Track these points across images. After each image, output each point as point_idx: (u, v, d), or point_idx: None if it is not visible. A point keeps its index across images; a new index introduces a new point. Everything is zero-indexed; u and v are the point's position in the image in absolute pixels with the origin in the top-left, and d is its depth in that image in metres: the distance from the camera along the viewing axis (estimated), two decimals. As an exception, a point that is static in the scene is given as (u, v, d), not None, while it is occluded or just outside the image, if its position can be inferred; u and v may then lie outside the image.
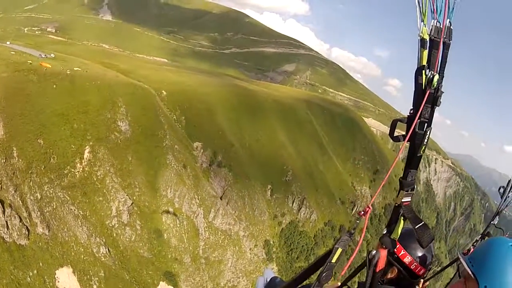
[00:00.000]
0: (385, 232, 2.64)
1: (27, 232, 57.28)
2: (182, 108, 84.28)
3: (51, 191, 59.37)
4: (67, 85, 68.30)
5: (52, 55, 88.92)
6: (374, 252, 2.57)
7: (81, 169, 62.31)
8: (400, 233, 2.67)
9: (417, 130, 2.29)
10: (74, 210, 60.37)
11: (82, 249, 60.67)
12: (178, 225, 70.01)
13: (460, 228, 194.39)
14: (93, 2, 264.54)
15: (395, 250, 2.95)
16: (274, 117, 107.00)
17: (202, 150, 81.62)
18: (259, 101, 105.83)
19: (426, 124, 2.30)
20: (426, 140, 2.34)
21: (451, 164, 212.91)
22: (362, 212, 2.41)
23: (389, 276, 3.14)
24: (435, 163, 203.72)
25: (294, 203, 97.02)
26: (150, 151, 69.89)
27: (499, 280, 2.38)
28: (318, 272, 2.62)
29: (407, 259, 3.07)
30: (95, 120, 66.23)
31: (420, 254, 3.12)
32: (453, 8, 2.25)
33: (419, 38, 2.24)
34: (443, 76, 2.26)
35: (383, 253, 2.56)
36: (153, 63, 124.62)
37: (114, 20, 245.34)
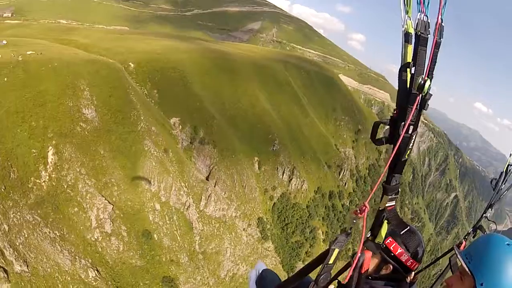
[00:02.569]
0: (369, 235, 2.66)
1: (5, 275, 47.06)
2: (153, 81, 72.12)
3: (18, 217, 47.16)
4: (19, 74, 54.04)
5: (4, 42, 72.01)
6: (359, 254, 2.55)
7: (47, 177, 49.78)
8: (394, 230, 2.89)
9: (401, 133, 2.23)
10: (49, 232, 48.69)
11: (69, 278, 50.26)
12: (168, 222, 59.95)
13: (436, 183, 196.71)
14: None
15: (391, 248, 2.98)
16: (253, 80, 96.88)
17: (180, 127, 70.89)
18: (236, 64, 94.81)
19: (412, 128, 2.26)
20: (411, 145, 2.32)
21: (424, 120, 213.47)
22: (358, 211, 2.43)
23: (383, 272, 3.12)
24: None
25: (284, 174, 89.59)
26: (124, 138, 57.94)
27: (496, 279, 2.44)
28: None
29: (403, 257, 3.03)
30: (56, 112, 52.86)
31: (414, 250, 3.07)
32: (445, 2, 2.05)
33: (403, 31, 2.11)
34: (432, 77, 2.14)
35: (368, 254, 2.61)
36: (115, 33, 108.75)
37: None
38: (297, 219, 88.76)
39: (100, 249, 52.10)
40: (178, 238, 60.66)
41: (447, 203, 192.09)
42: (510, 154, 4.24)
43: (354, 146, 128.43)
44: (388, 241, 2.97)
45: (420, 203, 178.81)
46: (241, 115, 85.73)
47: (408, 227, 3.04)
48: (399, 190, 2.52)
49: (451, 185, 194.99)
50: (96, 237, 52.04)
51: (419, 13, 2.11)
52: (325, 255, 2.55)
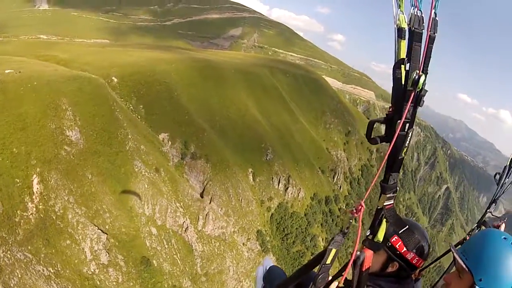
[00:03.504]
0: (368, 233, 2.67)
1: (3, 320, 42.18)
2: (138, 95, 67.88)
3: (8, 256, 42.50)
4: (-3, 97, 50.82)
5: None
6: (358, 253, 2.56)
7: (34, 209, 45.33)
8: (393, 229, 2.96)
9: (398, 131, 2.23)
10: (43, 270, 44.13)
11: None
12: (166, 246, 56.03)
13: (426, 177, 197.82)
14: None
15: (397, 246, 3.08)
16: (240, 88, 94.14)
17: (170, 143, 67.21)
18: (222, 72, 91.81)
19: (408, 125, 2.26)
20: (408, 142, 2.33)
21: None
22: (355, 210, 2.39)
23: (389, 270, 3.19)
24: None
25: (280, 184, 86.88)
26: (112, 160, 53.84)
27: (495, 273, 2.46)
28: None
29: (409, 255, 3.10)
30: (38, 136, 48.19)
31: (415, 247, 3.13)
32: None
33: (395, 27, 2.10)
34: (427, 73, 2.15)
35: (368, 253, 2.59)
36: (96, 46, 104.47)
37: (51, 8, 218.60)
38: (296, 228, 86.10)
39: (98, 283, 47.84)
40: (179, 262, 56.94)
41: (439, 195, 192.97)
42: None
43: (346, 148, 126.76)
44: (393, 239, 3.02)
45: (412, 198, 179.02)
46: (231, 125, 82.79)
47: (407, 226, 3.06)
48: (397, 188, 2.45)
49: (441, 178, 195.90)
50: (92, 270, 47.67)
51: (412, 8, 2.04)
52: (323, 255, 2.47)
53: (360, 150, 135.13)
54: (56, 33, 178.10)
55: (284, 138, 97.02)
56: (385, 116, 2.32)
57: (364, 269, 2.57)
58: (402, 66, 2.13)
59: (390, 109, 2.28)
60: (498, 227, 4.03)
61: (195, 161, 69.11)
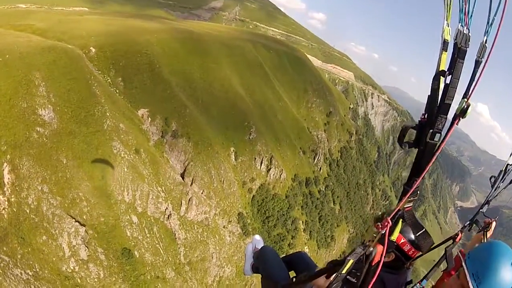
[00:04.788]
0: (383, 232, 2.67)
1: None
2: (117, 67, 61.85)
3: None
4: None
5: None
6: (371, 248, 2.60)
7: (6, 202, 39.99)
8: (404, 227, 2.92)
9: (428, 140, 2.30)
10: (21, 274, 38.95)
11: None
12: (148, 235, 52.15)
13: (401, 162, 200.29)
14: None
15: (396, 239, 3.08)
16: (224, 62, 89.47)
17: (149, 119, 62.82)
18: (206, 45, 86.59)
19: (438, 135, 2.30)
20: (437, 153, 2.39)
21: (387, 99, 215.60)
22: (380, 226, 2.47)
23: (385, 260, 3.07)
24: (372, 98, 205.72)
25: (262, 164, 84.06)
26: (89, 141, 48.63)
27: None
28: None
29: (406, 247, 3.15)
30: (7, 118, 42.34)
31: (415, 239, 3.17)
32: (491, 24, 2.02)
33: (441, 38, 2.10)
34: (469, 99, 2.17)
35: (380, 248, 2.61)
36: (74, 14, 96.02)
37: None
38: (277, 211, 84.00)
39: (79, 281, 43.70)
40: (161, 251, 53.39)
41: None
42: (511, 154, 4.10)
43: (326, 129, 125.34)
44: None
45: (386, 181, 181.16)
46: (214, 102, 78.60)
47: (424, 229, 3.15)
48: (418, 192, 2.53)
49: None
50: (72, 267, 43.62)
51: (460, 24, 2.04)
52: (340, 264, 2.62)
53: (340, 131, 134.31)
54: (34, 1, 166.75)
55: (267, 117, 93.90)
56: (417, 122, 2.35)
57: (373, 264, 2.60)
58: (441, 77, 2.11)
59: (423, 117, 2.30)
60: (489, 223, 4.26)
61: (176, 140, 65.09)
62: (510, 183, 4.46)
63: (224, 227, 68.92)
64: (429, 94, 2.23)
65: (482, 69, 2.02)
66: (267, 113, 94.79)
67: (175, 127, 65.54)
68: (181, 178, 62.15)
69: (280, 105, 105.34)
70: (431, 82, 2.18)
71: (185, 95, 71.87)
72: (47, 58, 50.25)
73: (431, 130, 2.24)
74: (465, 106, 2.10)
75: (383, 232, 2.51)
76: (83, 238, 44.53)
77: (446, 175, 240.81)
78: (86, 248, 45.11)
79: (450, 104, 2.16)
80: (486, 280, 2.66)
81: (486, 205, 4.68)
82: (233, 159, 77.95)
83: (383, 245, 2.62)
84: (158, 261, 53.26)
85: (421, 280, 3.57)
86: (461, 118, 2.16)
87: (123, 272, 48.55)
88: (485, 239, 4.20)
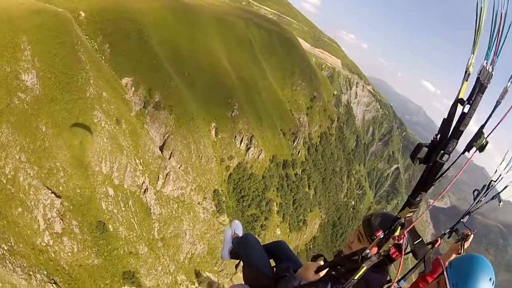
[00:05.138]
0: (382, 236, 2.84)
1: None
2: (105, 32, 60.06)
3: None
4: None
5: None
6: (367, 251, 2.81)
7: None
8: (379, 221, 3.28)
9: (438, 159, 2.41)
10: None
11: None
12: (123, 209, 51.47)
13: (378, 153, 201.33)
14: None
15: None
16: (214, 36, 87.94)
17: (133, 89, 61.31)
18: (197, 17, 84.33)
19: (447, 156, 2.43)
20: (444, 173, 2.52)
21: (371, 90, 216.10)
22: (397, 238, 2.69)
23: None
24: (356, 87, 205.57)
25: (242, 143, 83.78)
26: (70, 108, 47.17)
27: None
28: None
29: (391, 250, 3.15)
30: None
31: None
32: None
33: (466, 68, 2.19)
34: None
35: (374, 250, 2.82)
36: None
37: None
38: (253, 191, 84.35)
39: (53, 255, 43.26)
40: (135, 226, 52.97)
41: (388, 173, 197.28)
42: (495, 171, 4.27)
43: (308, 113, 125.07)
44: (379, 233, 3.06)
45: (362, 171, 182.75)
46: (200, 75, 77.30)
47: (421, 239, 3.22)
48: (419, 204, 2.70)
49: (393, 157, 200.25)
50: (46, 241, 43.13)
51: (485, 61, 2.13)
52: (353, 269, 2.77)
53: (322, 117, 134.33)
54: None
55: (252, 95, 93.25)
56: (431, 141, 2.46)
57: (368, 267, 2.81)
58: (459, 104, 2.22)
59: (436, 137, 2.41)
60: (467, 235, 4.36)
61: (158, 112, 63.97)
62: (492, 199, 4.59)
63: (199, 203, 68.83)
64: (445, 117, 2.35)
65: (505, 115, 2.08)
66: (251, 92, 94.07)
67: (158, 98, 64.36)
68: (160, 152, 61.37)
69: (265, 84, 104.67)
70: (450, 107, 2.30)
71: (172, 67, 70.43)
72: (35, 20, 48.54)
73: (442, 151, 2.37)
74: (485, 143, 2.25)
75: (400, 242, 2.72)
76: (58, 210, 43.89)
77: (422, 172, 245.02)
78: (61, 221, 44.52)
79: (463, 131, 2.30)
80: (462, 281, 2.87)
81: (467, 216, 4.81)
82: (213, 135, 77.45)
83: (400, 253, 2.79)
84: (132, 236, 52.93)
85: (399, 280, 3.64)
86: (478, 152, 2.32)
87: (97, 247, 48.24)
88: (462, 250, 4.36)
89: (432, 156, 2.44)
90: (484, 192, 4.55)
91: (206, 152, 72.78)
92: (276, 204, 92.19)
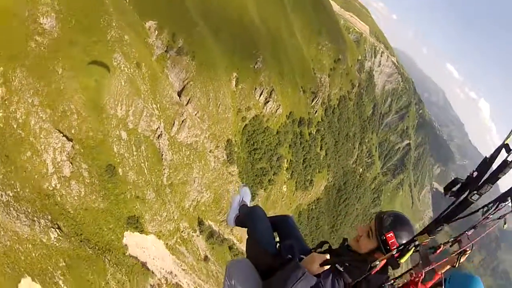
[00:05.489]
0: (395, 252, 2.98)
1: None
2: None
3: None
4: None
5: None
6: (377, 263, 3.03)
7: None
8: (390, 222, 3.31)
9: (469, 198, 2.47)
10: (1, 196, 38.40)
11: (30, 246, 41.33)
12: (135, 153, 51.84)
13: (393, 126, 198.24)
14: None
15: (390, 242, 3.29)
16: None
17: (156, 32, 61.04)
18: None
19: (478, 197, 2.47)
20: (472, 213, 2.61)
21: (395, 62, 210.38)
22: (414, 275, 3.01)
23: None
24: (381, 56, 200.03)
25: (262, 96, 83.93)
26: (89, 51, 46.14)
27: None
28: None
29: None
30: (6, 26, 40.38)
31: (401, 241, 3.27)
32: None
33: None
34: None
35: (383, 262, 3.04)
36: None
37: None
38: (266, 145, 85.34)
39: (59, 199, 43.97)
40: (145, 171, 53.71)
41: (399, 147, 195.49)
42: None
43: (331, 74, 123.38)
44: (389, 235, 3.25)
45: (374, 140, 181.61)
46: (226, 24, 76.61)
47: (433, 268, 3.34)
48: (438, 234, 2.78)
49: (406, 132, 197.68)
50: (54, 185, 43.41)
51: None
52: (357, 266, 3.27)
53: (343, 80, 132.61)
54: None
55: (276, 49, 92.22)
56: (467, 176, 2.48)
57: (374, 272, 3.10)
58: (504, 150, 2.27)
59: (473, 174, 2.43)
60: (466, 251, 4.12)
61: (180, 57, 64.09)
62: (498, 218, 4.27)
63: (210, 151, 70.11)
64: (487, 157, 2.41)
65: None
66: (277, 46, 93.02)
67: (182, 43, 64.29)
68: (177, 97, 61.93)
69: (292, 40, 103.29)
70: (495, 149, 2.37)
71: (198, 13, 69.77)
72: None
73: (474, 192, 2.40)
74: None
75: (417, 279, 3.21)
76: (68, 153, 44.02)
77: (431, 153, 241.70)
78: (70, 164, 44.71)
79: (500, 178, 2.30)
80: None
81: (472, 229, 4.54)
82: (234, 85, 77.67)
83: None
84: (140, 180, 53.50)
85: (396, 278, 3.80)
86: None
87: (104, 190, 48.72)
88: (458, 263, 4.24)
89: (463, 192, 2.49)
90: (494, 210, 4.79)
91: (225, 101, 73.35)
92: (287, 160, 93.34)
